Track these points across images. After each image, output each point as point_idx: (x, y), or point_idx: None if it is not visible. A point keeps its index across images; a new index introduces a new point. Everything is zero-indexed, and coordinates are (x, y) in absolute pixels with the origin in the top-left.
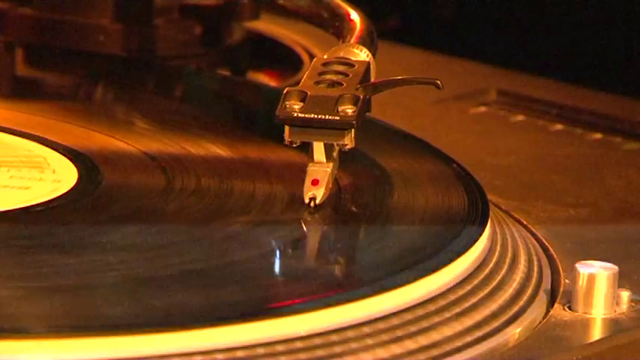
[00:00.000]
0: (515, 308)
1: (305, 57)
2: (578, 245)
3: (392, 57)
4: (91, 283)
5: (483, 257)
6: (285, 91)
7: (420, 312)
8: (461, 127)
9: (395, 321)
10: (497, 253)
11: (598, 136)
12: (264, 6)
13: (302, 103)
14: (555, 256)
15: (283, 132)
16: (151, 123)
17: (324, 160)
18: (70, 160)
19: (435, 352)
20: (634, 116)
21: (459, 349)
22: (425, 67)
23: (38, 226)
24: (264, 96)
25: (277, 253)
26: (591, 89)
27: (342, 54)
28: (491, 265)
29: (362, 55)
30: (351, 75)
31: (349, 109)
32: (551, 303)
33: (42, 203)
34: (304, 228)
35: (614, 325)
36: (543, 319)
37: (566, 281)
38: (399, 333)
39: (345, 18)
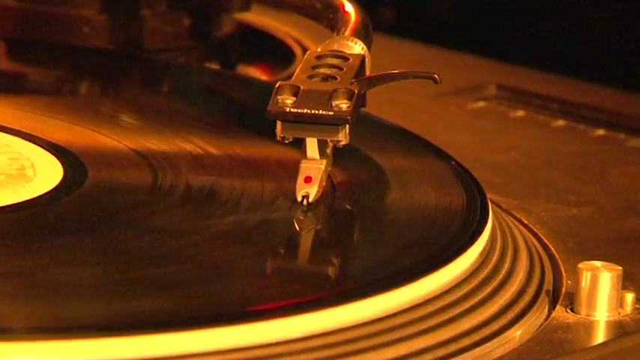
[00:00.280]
0: (516, 310)
1: (297, 50)
2: (581, 245)
3: (388, 50)
4: (69, 284)
5: (483, 258)
6: (277, 86)
7: (416, 315)
8: (459, 123)
9: (389, 324)
10: (497, 254)
11: (601, 132)
12: None
13: (294, 98)
14: (557, 256)
15: (275, 128)
16: (138, 119)
17: (318, 156)
18: (55, 156)
19: (430, 356)
20: (639, 111)
21: (456, 353)
22: (422, 61)
23: (17, 226)
24: (255, 90)
25: (268, 253)
26: (594, 83)
27: (336, 47)
28: (490, 266)
29: (357, 47)
30: (345, 69)
31: (343, 104)
32: (552, 305)
33: (25, 202)
34: (297, 227)
35: (618, 328)
36: (545, 321)
37: (569, 282)
38: (393, 336)
39: (339, 9)
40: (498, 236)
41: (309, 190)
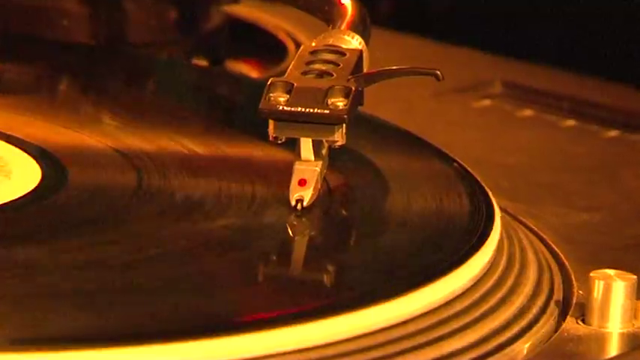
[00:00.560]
0: (524, 322)
1: (290, 45)
2: (593, 252)
3: (387, 45)
4: (46, 292)
5: (488, 267)
6: (269, 83)
7: (416, 327)
8: (462, 122)
9: (386, 336)
10: (503, 262)
11: (614, 132)
12: None
13: (288, 96)
14: (567, 264)
15: (267, 127)
16: (120, 117)
17: (313, 158)
18: (33, 158)
19: None
20: None
21: None
22: (423, 56)
23: None
24: (246, 88)
25: (259, 260)
26: (607, 81)
27: (331, 41)
28: (497, 275)
29: (354, 42)
30: (341, 64)
31: (340, 102)
32: (563, 316)
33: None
34: (290, 233)
35: (633, 340)
36: (554, 333)
37: (580, 292)
38: (392, 350)
39: (335, 1)
40: (505, 243)
41: (303, 194)
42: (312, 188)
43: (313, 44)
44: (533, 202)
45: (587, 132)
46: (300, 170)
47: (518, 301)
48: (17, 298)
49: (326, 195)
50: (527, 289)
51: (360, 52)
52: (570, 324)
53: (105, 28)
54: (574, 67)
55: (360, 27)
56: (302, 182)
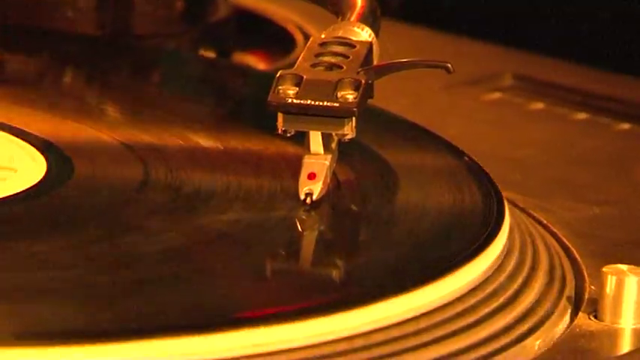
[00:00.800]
0: (535, 318)
1: (298, 36)
2: (605, 247)
3: (397, 37)
4: (48, 287)
5: (499, 262)
6: (278, 75)
7: (425, 323)
8: (473, 115)
9: (396, 332)
10: (514, 257)
11: (626, 125)
12: None
13: (297, 88)
14: (579, 259)
15: (276, 120)
16: (126, 110)
17: (322, 151)
18: (39, 150)
19: None
20: None
21: None
22: (433, 48)
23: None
24: (254, 80)
25: (267, 255)
26: (619, 73)
27: (341, 33)
28: (507, 270)
29: (363, 34)
30: (351, 57)
31: (350, 95)
32: (575, 312)
33: (2, 199)
34: (299, 227)
35: None
36: (566, 329)
37: (592, 287)
38: (401, 346)
39: None
40: (516, 238)
41: (312, 188)
42: (321, 182)
43: (323, 36)
44: (544, 197)
45: (598, 125)
46: (309, 164)
47: (530, 296)
48: (18, 292)
49: (335, 189)
50: (538, 284)
51: (370, 44)
52: (582, 320)
53: (110, 20)
54: (586, 60)
55: (370, 19)
56: (311, 176)
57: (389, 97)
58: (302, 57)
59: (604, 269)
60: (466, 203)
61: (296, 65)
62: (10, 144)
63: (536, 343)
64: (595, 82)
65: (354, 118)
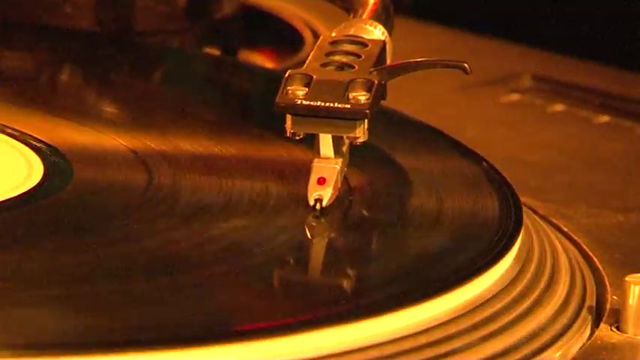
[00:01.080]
0: (555, 329)
1: (307, 34)
2: (628, 256)
3: (411, 35)
4: (42, 295)
5: (517, 271)
6: (286, 75)
7: (441, 334)
8: (490, 118)
9: (409, 344)
10: (533, 266)
11: None
12: None
13: (306, 89)
14: (601, 268)
15: (284, 122)
16: (127, 110)
17: (332, 155)
18: (36, 152)
19: None
20: None
21: None
22: (448, 48)
23: None
24: (261, 79)
25: (276, 263)
26: None
27: (352, 31)
28: (526, 279)
29: (376, 32)
30: (363, 56)
31: (362, 96)
32: (596, 323)
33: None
34: (308, 234)
35: None
36: (587, 341)
37: (614, 297)
38: (416, 358)
39: None
40: (535, 246)
41: (322, 193)
42: (331, 187)
43: (333, 34)
44: (564, 203)
45: (621, 128)
46: (319, 168)
47: (549, 307)
48: (12, 301)
49: (346, 194)
50: (558, 294)
51: (383, 42)
52: (604, 331)
53: (111, 15)
54: (608, 60)
55: (382, 16)
56: (321, 181)
57: (402, 99)
58: (312, 56)
59: (627, 278)
60: (482, 209)
61: (305, 65)
62: (5, 145)
63: (555, 356)
64: (617, 82)
65: (366, 121)
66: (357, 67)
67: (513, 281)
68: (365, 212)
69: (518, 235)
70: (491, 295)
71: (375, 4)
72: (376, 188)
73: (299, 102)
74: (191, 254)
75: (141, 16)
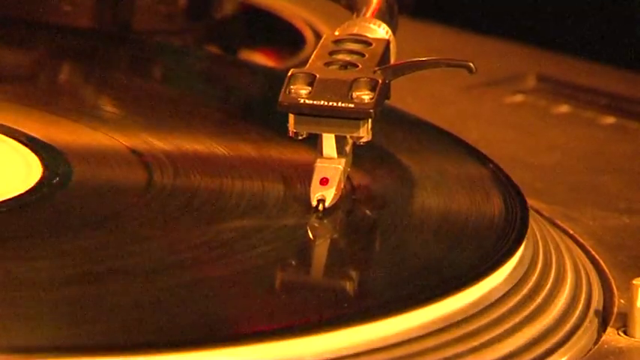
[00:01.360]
0: (561, 333)
1: (308, 34)
2: (635, 259)
3: (415, 35)
4: (39, 296)
5: (522, 274)
6: (289, 74)
7: (444, 338)
8: (494, 118)
9: (411, 348)
10: (538, 269)
11: None
12: None
13: (310, 88)
14: (607, 271)
15: (287, 121)
16: (127, 110)
17: (335, 155)
18: (34, 151)
19: None
20: None
21: None
22: (452, 47)
23: None
24: (262, 79)
25: (277, 265)
26: None
27: (356, 30)
28: (531, 283)
29: (380, 31)
30: (367, 55)
31: (366, 96)
32: (603, 327)
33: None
34: (310, 236)
35: None
36: (594, 345)
37: (621, 301)
38: None
39: None
40: (540, 249)
41: (325, 194)
42: (334, 188)
43: (337, 33)
44: (570, 205)
45: (627, 129)
46: (321, 168)
47: (555, 311)
48: (8, 302)
49: (349, 195)
50: (564, 298)
51: (387, 41)
52: (611, 335)
53: (110, 14)
54: (613, 60)
55: (386, 15)
56: (324, 181)
57: (405, 99)
58: (315, 55)
59: (634, 282)
60: (488, 211)
61: (308, 64)
62: (3, 144)
63: None
64: (624, 83)
65: (370, 120)
66: (360, 66)
67: (518, 284)
68: (368, 213)
69: (524, 237)
70: (495, 299)
71: (379, 2)
72: (380, 189)
73: (302, 101)
74: (191, 255)
75: (141, 15)
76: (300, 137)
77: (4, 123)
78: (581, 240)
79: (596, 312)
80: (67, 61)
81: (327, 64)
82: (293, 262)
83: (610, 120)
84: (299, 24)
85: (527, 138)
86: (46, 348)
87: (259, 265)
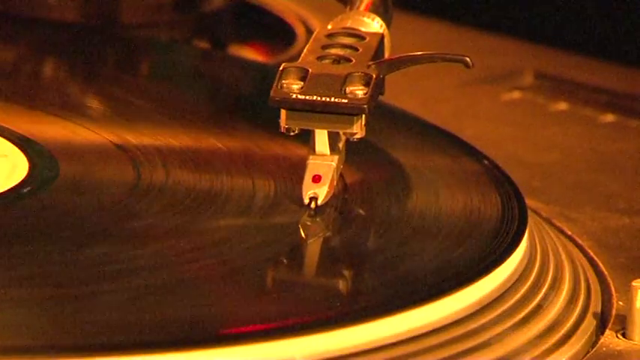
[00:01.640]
0: (558, 336)
1: (299, 28)
2: (634, 260)
3: (409, 29)
4: (19, 297)
5: (519, 275)
6: (281, 68)
7: (438, 339)
8: (491, 116)
9: (405, 350)
10: (536, 270)
11: None
12: None
13: (302, 83)
14: (606, 272)
15: (279, 117)
16: (114, 105)
17: (328, 152)
18: (20, 148)
19: None
20: None
21: None
22: (448, 42)
23: None
24: (253, 73)
25: (268, 264)
26: None
27: (350, 23)
28: (527, 284)
29: (374, 25)
30: (361, 49)
31: (359, 91)
32: (601, 329)
33: None
34: (302, 234)
35: None
36: (592, 348)
37: (620, 303)
38: None
39: None
40: (538, 249)
41: (317, 191)
42: (327, 185)
43: (330, 27)
44: (568, 205)
45: (627, 128)
46: (314, 165)
47: (552, 313)
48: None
49: (342, 193)
50: (561, 299)
51: (382, 35)
52: (609, 338)
53: (96, 7)
54: (613, 57)
55: (380, 8)
56: (316, 178)
57: (399, 96)
58: (307, 49)
59: (634, 283)
60: (484, 210)
61: (301, 58)
62: None
63: None
64: (623, 80)
65: (363, 116)
66: (354, 60)
67: (515, 285)
68: (362, 212)
69: (522, 237)
70: (492, 300)
71: None
72: (373, 186)
73: (294, 96)
74: (179, 253)
75: (128, 8)
76: (292, 133)
77: None
78: (579, 241)
79: (595, 314)
80: (53, 56)
81: (320, 58)
82: (285, 261)
83: (609, 118)
84: (290, 17)
85: (525, 136)
86: (24, 348)
87: (250, 264)
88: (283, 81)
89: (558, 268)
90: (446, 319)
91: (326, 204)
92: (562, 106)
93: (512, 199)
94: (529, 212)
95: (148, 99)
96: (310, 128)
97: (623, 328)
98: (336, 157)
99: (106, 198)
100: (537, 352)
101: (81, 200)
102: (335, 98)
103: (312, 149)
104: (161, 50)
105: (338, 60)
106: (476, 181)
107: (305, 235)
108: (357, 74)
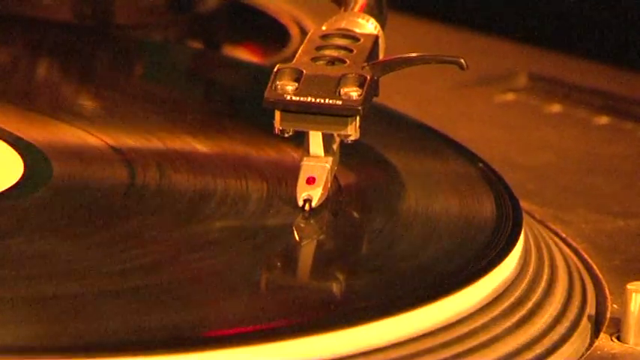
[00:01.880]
0: (553, 339)
1: (293, 29)
2: (629, 262)
3: (404, 30)
4: (8, 299)
5: (513, 278)
6: (275, 69)
7: (432, 343)
8: (484, 118)
9: (398, 353)
10: (530, 273)
11: None
12: None
13: (296, 84)
14: (601, 275)
15: (273, 118)
16: (108, 106)
17: (322, 153)
18: (15, 149)
19: None
20: None
21: None
22: (441, 45)
23: None
24: (247, 74)
25: (262, 266)
26: None
27: (344, 25)
28: (522, 287)
29: (369, 26)
30: (355, 51)
31: (354, 92)
32: (595, 332)
33: None
34: (296, 236)
35: None
36: (586, 351)
37: (614, 306)
38: None
39: None
40: (532, 252)
41: (311, 193)
42: (321, 187)
43: (324, 28)
44: (562, 207)
45: (621, 130)
46: (308, 167)
47: (546, 316)
48: None
49: (336, 195)
50: (556, 302)
51: (376, 37)
52: (604, 341)
53: (90, 7)
54: (608, 59)
55: (375, 10)
56: (310, 180)
57: (392, 98)
58: (302, 50)
59: (628, 286)
60: (478, 213)
61: (295, 59)
62: None
63: None
64: (618, 82)
65: (358, 118)
66: (348, 61)
67: (509, 289)
68: (356, 214)
69: (517, 240)
70: (486, 303)
71: None
72: (367, 188)
73: (288, 97)
74: (173, 255)
75: (122, 8)
76: (286, 135)
77: None
78: (573, 243)
79: (589, 317)
80: (47, 56)
81: (315, 59)
82: (279, 263)
83: (604, 120)
84: (284, 18)
85: (519, 138)
86: (22, 348)
87: (244, 266)
88: (277, 82)
89: (553, 271)
90: (440, 323)
91: (320, 206)
92: (556, 108)
93: (506, 201)
94: (524, 215)
95: (142, 100)
96: (304, 130)
97: (618, 331)
98: (330, 159)
99: (100, 199)
100: (531, 355)
101: (75, 201)
102: (329, 99)
103: (306, 151)
104: (155, 51)
105: (332, 61)
106: (470, 183)
107: (299, 237)
108: (351, 75)
